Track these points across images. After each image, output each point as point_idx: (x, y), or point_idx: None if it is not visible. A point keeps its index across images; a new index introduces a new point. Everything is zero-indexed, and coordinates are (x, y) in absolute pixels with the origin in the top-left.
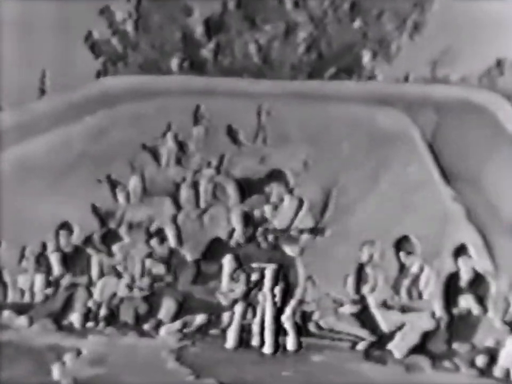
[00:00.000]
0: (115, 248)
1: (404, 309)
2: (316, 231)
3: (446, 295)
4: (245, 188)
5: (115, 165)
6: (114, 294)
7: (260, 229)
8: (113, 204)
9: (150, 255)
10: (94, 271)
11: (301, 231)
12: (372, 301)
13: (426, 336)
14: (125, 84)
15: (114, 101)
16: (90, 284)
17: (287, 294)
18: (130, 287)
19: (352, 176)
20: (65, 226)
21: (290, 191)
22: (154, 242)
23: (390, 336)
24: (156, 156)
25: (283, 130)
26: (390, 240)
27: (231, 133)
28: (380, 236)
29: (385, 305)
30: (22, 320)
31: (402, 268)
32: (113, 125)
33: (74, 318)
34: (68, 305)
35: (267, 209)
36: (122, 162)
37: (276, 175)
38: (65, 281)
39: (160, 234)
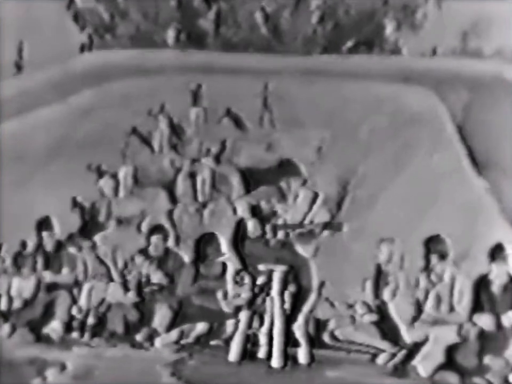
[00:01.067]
0: (98, 239)
1: (430, 318)
2: (331, 226)
3: (475, 303)
4: (250, 179)
5: (102, 151)
6: (102, 300)
7: (269, 225)
8: (100, 197)
9: (141, 253)
10: (79, 273)
11: (315, 227)
12: (393, 308)
13: (455, 349)
14: (113, 59)
15: (101, 79)
16: (74, 288)
17: (298, 299)
18: (120, 290)
19: (371, 164)
20: (46, 223)
21: (303, 182)
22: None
23: (415, 348)
24: (148, 141)
25: (294, 112)
26: (414, 238)
27: (234, 116)
28: (401, 232)
29: (408, 313)
30: (4, 329)
31: (428, 271)
32: (99, 106)
33: (55, 327)
34: (48, 312)
35: (276, 202)
36: (110, 149)
37: (286, 164)
38: (45, 284)
39: (153, 231)
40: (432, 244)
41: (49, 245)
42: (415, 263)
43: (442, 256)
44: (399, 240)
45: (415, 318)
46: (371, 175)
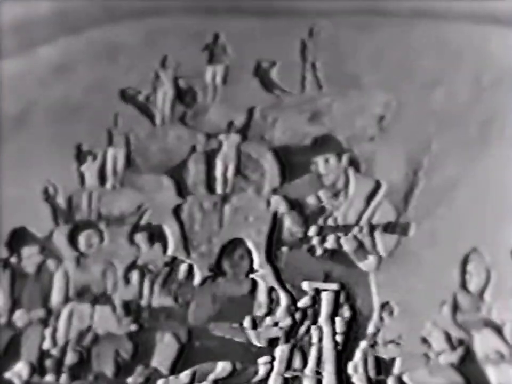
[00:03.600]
0: (81, 240)
1: None
2: (396, 228)
3: None
4: (288, 162)
5: (82, 124)
6: (86, 329)
7: (314, 227)
8: (81, 187)
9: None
10: (56, 292)
11: (375, 229)
12: (478, 344)
13: None
14: None
15: (79, 22)
16: (49, 314)
17: (353, 329)
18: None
19: (449, 140)
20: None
21: (358, 167)
22: (145, 246)
23: None
24: (145, 110)
25: (347, 69)
26: (505, 245)
27: (264, 75)
28: (488, 236)
29: (498, 351)
30: None
31: None
32: (77, 60)
33: (20, 368)
34: (12, 349)
35: (323, 195)
36: (93, 120)
37: (335, 142)
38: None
39: (153, 235)
40: None
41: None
42: (505, 281)
43: None
44: (485, 249)
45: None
46: (448, 155)
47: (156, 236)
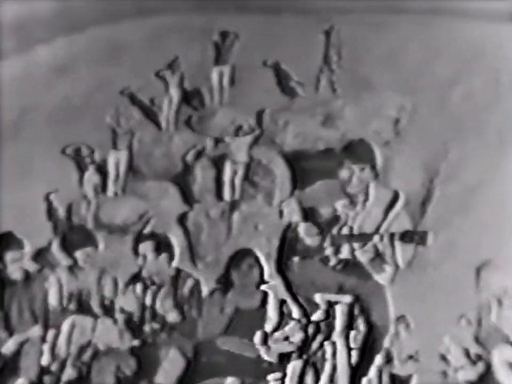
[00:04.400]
0: (78, 257)
1: None
2: (413, 237)
3: None
4: (301, 168)
5: (82, 127)
6: (87, 343)
7: (329, 236)
8: (80, 194)
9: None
10: (52, 304)
11: (394, 238)
12: (499, 361)
13: None
14: None
15: (81, 21)
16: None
17: (368, 344)
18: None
19: (467, 145)
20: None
21: (376, 174)
22: (150, 257)
23: None
24: (150, 112)
25: (363, 70)
26: None
27: (277, 75)
28: (506, 248)
29: None
30: None
31: None
32: (78, 60)
33: None
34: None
35: (340, 204)
36: (94, 123)
37: (351, 147)
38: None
39: (160, 244)
40: None
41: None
42: None
43: None
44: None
45: None
46: (467, 160)
47: (161, 245)
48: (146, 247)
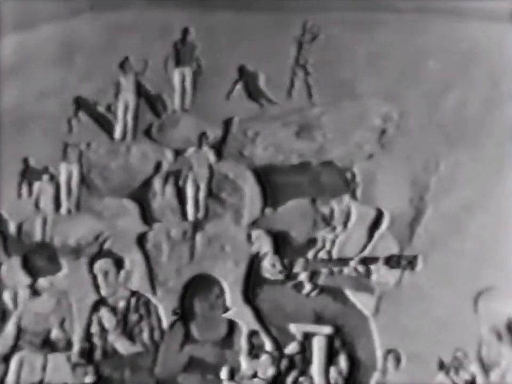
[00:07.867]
0: (42, 283)
1: None
2: (400, 262)
3: None
4: (271, 184)
5: (31, 136)
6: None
7: (301, 261)
8: (32, 212)
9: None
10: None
11: (376, 262)
12: None
13: None
14: None
15: (35, 20)
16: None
17: (351, 382)
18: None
19: (460, 158)
20: None
21: (353, 192)
22: (103, 282)
23: None
24: (103, 120)
25: (343, 74)
26: None
27: (246, 80)
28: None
29: None
30: None
31: None
32: (25, 63)
33: None
34: None
35: (315, 224)
36: (43, 133)
37: (328, 161)
38: None
39: (114, 267)
40: None
41: None
42: None
43: None
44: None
45: None
46: (461, 175)
47: (118, 267)
48: (101, 269)
